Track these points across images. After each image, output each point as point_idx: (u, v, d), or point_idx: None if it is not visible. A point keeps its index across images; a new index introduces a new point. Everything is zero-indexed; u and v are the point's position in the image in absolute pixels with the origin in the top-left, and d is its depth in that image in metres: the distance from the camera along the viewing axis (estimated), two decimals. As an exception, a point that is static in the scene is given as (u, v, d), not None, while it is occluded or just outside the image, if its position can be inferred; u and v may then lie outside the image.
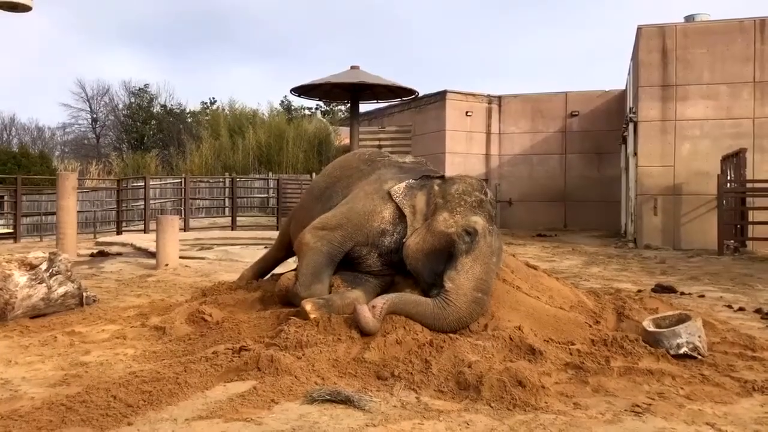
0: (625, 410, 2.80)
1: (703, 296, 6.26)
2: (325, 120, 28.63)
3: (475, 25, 71.75)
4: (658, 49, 13.38)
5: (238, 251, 9.95)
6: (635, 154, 13.96)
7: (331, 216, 4.33)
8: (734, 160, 12.11)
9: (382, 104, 18.90)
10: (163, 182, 19.99)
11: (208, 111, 33.53)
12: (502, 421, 2.66)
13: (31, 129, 40.29)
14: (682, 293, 6.38)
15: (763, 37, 12.91)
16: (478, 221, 3.90)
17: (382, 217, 4.18)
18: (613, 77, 62.02)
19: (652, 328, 3.73)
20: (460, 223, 3.89)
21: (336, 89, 13.66)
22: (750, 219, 12.04)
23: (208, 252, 10.08)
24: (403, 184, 4.23)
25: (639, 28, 13.70)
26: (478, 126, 20.62)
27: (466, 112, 20.47)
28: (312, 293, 4.00)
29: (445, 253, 3.88)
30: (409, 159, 4.95)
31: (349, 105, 15.10)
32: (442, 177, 4.30)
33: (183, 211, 16.81)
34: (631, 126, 14.46)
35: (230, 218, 17.06)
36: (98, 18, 60.07)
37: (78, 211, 11.89)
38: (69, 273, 4.97)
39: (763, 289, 6.89)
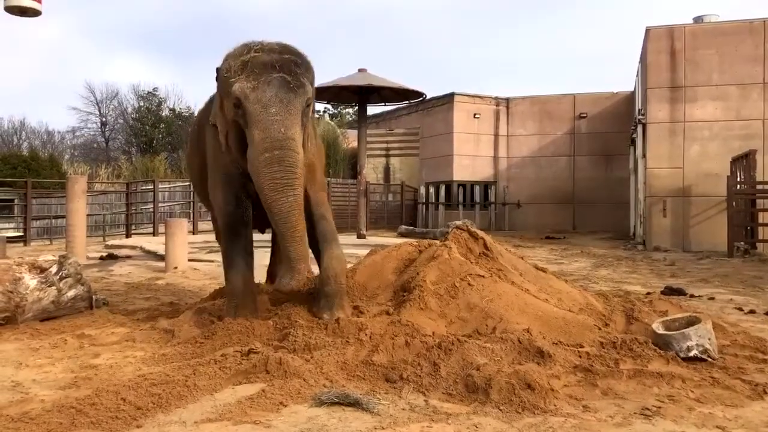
0: (635, 413, 2.79)
1: (713, 298, 6.22)
2: (333, 123, 28.66)
3: (483, 27, 71.79)
4: (667, 50, 13.32)
5: (247, 254, 9.92)
6: (644, 155, 13.91)
7: None
8: (744, 161, 12.05)
9: (390, 107, 18.93)
10: (172, 185, 20.06)
11: (216, 114, 33.49)
12: (510, 424, 2.65)
13: (40, 133, 40.50)
14: (692, 295, 6.35)
15: (773, 38, 12.84)
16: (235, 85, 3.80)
17: None
18: (622, 79, 61.79)
19: (661, 331, 3.71)
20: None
21: (344, 92, 13.68)
22: (760, 221, 11.97)
23: (217, 255, 10.07)
24: None
25: (647, 30, 13.65)
26: (486, 128, 20.61)
27: (474, 115, 20.47)
28: None
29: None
30: None
31: (357, 108, 15.11)
32: None
33: (192, 214, 16.89)
34: (639, 128, 14.40)
35: (239, 221, 17.06)
36: (107, 22, 60.41)
37: (87, 215, 11.95)
38: (79, 276, 4.99)
39: (773, 292, 6.84)
